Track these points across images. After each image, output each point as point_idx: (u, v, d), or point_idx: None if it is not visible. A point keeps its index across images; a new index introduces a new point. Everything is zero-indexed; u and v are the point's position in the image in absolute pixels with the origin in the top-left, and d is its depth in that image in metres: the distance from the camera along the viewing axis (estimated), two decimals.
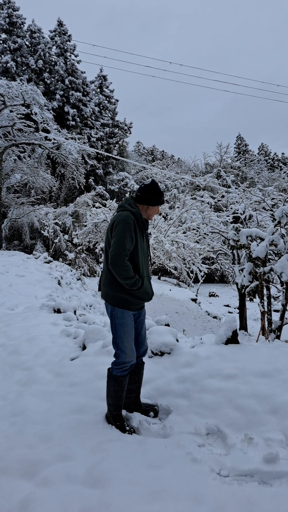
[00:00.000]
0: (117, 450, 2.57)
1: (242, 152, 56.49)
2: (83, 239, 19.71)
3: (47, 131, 21.22)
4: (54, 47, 33.27)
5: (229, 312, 21.16)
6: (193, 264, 19.40)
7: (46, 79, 31.78)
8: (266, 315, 5.70)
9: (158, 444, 2.64)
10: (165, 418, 3.04)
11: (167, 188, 37.45)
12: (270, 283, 6.23)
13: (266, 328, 5.55)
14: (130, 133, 40.15)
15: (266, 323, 5.64)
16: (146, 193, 2.83)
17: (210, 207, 21.72)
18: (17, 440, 2.79)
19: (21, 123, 19.58)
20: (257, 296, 6.52)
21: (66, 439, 2.74)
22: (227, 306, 23.82)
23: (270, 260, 6.38)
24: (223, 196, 19.65)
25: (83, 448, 2.62)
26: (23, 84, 19.70)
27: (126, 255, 2.68)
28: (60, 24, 33.36)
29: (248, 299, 12.23)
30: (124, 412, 3.07)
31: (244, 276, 6.17)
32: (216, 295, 28.84)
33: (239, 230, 6.36)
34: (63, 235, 23.03)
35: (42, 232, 21.60)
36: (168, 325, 4.89)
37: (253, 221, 15.21)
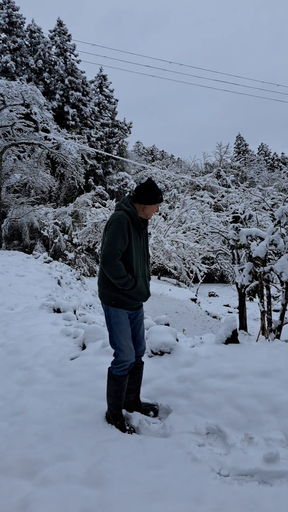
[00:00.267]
0: (117, 450, 2.57)
1: (242, 152, 56.50)
2: (83, 239, 19.71)
3: (47, 131, 21.22)
4: (54, 46, 33.25)
5: (228, 312, 21.16)
6: (193, 264, 19.39)
7: (45, 79, 31.76)
8: (266, 314, 5.69)
9: (158, 443, 2.63)
10: (165, 418, 3.04)
11: (167, 188, 37.45)
12: (270, 282, 6.23)
13: (266, 328, 5.55)
14: (129, 133, 40.15)
15: (266, 322, 5.63)
16: (142, 192, 2.82)
17: (210, 207, 21.72)
18: (17, 439, 2.78)
19: (21, 123, 19.57)
20: (257, 296, 6.51)
21: (66, 439, 2.74)
22: (227, 306, 23.81)
23: (270, 260, 6.37)
24: (223, 196, 19.64)
25: (83, 448, 2.62)
26: (22, 83, 19.67)
27: (117, 255, 2.69)
28: (60, 23, 33.34)
29: (248, 298, 12.23)
30: (124, 411, 3.07)
31: (244, 276, 6.16)
32: (216, 295, 28.83)
33: (239, 229, 6.35)
34: (63, 235, 23.01)
35: (42, 232, 21.59)
36: (168, 324, 4.89)
37: (253, 221, 15.20)
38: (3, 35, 30.55)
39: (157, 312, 13.37)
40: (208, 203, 21.28)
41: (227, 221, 16.74)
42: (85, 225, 20.20)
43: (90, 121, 33.86)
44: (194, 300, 20.15)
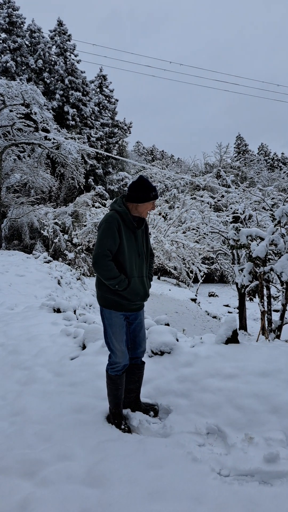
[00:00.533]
0: (117, 450, 2.56)
1: (242, 152, 56.49)
2: (83, 239, 19.71)
3: (47, 131, 21.20)
4: (54, 46, 33.24)
5: (228, 312, 21.15)
6: (193, 264, 19.39)
7: (45, 79, 31.76)
8: (266, 314, 5.69)
9: (158, 443, 2.63)
10: (165, 418, 3.03)
11: (167, 188, 37.43)
12: (270, 283, 6.22)
13: (266, 328, 5.55)
14: (129, 133, 40.14)
15: (266, 322, 5.63)
16: (134, 190, 2.77)
17: (210, 207, 21.71)
18: (17, 439, 2.78)
19: (21, 123, 19.56)
20: (257, 296, 6.51)
21: (66, 439, 2.74)
22: (227, 306, 23.81)
23: (270, 260, 6.37)
24: (222, 196, 19.64)
25: (83, 448, 2.62)
26: (22, 83, 19.65)
27: (106, 255, 2.67)
28: (60, 23, 33.34)
29: (248, 299, 12.23)
30: (126, 411, 3.07)
31: (244, 276, 6.16)
32: (216, 295, 28.82)
33: (239, 229, 6.35)
34: (63, 235, 23.00)
35: (42, 232, 21.58)
36: (168, 324, 4.89)
37: (252, 221, 15.20)
38: (3, 35, 30.54)
39: (157, 312, 13.36)
40: (208, 203, 21.28)
41: (227, 221, 16.74)
42: (85, 225, 20.20)
43: (90, 121, 33.85)
44: (194, 300, 20.14)
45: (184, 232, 19.46)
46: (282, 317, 5.85)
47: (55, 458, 2.51)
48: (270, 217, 14.86)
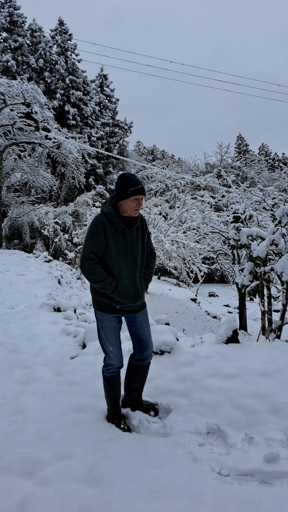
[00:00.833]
0: (117, 449, 2.56)
1: (242, 152, 56.47)
2: (83, 238, 19.68)
3: (48, 130, 21.18)
4: (55, 46, 33.24)
5: (228, 312, 21.13)
6: (193, 264, 19.38)
7: (46, 78, 31.75)
8: (266, 314, 5.69)
9: (158, 443, 2.63)
10: (165, 417, 3.03)
11: (168, 188, 37.44)
12: (270, 283, 6.22)
13: (267, 328, 5.54)
14: (130, 133, 40.12)
15: (267, 322, 5.63)
16: (115, 188, 2.70)
17: (211, 207, 21.70)
18: (16, 439, 2.78)
19: (22, 122, 19.55)
20: (257, 296, 6.50)
21: (66, 438, 2.73)
22: (227, 306, 23.79)
23: (271, 260, 6.36)
24: (223, 196, 19.63)
25: (83, 447, 2.61)
26: (23, 83, 19.63)
27: (89, 259, 2.65)
28: (61, 23, 33.33)
29: (248, 299, 12.22)
30: (125, 410, 3.06)
31: (245, 276, 6.15)
32: (216, 295, 28.81)
33: (240, 229, 6.34)
34: (63, 235, 22.99)
35: (42, 231, 21.56)
36: (168, 324, 4.88)
37: (253, 221, 15.18)
38: (4, 34, 30.53)
39: (157, 312, 13.36)
40: (208, 203, 21.26)
41: (227, 221, 16.73)
42: (85, 225, 20.19)
43: (91, 120, 33.84)
44: (194, 300, 20.13)
45: (184, 232, 19.46)
46: (282, 317, 5.84)
47: (55, 457, 2.51)
48: (271, 217, 14.83)
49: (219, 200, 19.70)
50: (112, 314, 2.78)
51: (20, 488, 2.26)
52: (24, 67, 30.93)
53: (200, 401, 3.08)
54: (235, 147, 56.88)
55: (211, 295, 28.94)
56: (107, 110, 37.07)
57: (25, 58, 30.92)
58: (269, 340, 5.23)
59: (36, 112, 19.45)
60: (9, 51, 30.14)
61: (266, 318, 5.64)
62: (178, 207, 23.09)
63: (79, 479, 2.30)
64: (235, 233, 6.36)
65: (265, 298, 5.99)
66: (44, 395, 3.46)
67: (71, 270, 15.15)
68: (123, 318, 2.92)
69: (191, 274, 24.50)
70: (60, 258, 19.58)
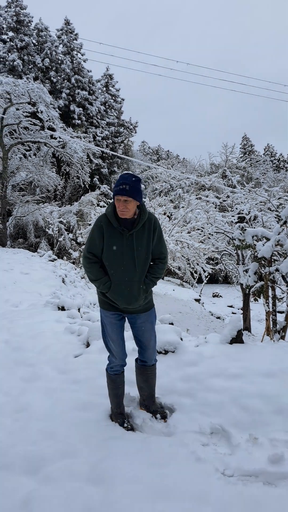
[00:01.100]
0: (120, 448, 2.55)
1: (247, 153, 56.30)
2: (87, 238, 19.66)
3: (53, 130, 21.21)
4: (61, 45, 33.31)
5: (232, 313, 21.08)
6: (197, 264, 19.34)
7: (52, 78, 31.83)
8: (271, 315, 5.66)
9: (162, 442, 2.62)
10: (169, 417, 3.02)
11: (172, 188, 37.39)
12: (275, 284, 6.19)
13: (271, 328, 5.52)
14: (135, 133, 40.13)
15: (271, 323, 5.60)
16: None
17: (215, 207, 21.64)
18: (20, 436, 2.78)
19: (27, 121, 19.60)
20: (262, 297, 6.48)
21: (70, 436, 2.73)
22: (231, 306, 23.74)
23: (276, 261, 6.33)
24: (228, 196, 19.57)
25: (87, 445, 2.61)
26: (29, 82, 19.67)
27: (88, 258, 2.70)
28: (67, 22, 33.39)
29: (252, 299, 12.17)
30: (129, 409, 3.06)
31: (250, 276, 6.13)
32: (220, 296, 28.74)
33: (245, 229, 6.32)
34: (68, 234, 23.03)
35: (47, 230, 21.62)
36: (172, 324, 4.87)
37: (258, 222, 15.13)
38: (11, 34, 30.64)
39: (161, 312, 13.34)
40: (213, 203, 21.21)
41: (232, 221, 16.68)
42: (90, 224, 20.21)
43: (96, 120, 33.88)
44: (197, 300, 20.09)
45: (188, 232, 19.42)
46: (287, 318, 5.81)
47: (58, 455, 2.51)
48: (276, 218, 14.76)
49: (224, 201, 19.64)
50: (112, 311, 2.80)
51: (23, 485, 2.26)
52: (30, 67, 31.02)
53: (204, 401, 3.07)
54: (240, 148, 56.70)
55: (215, 295, 28.88)
56: (112, 110, 37.10)
57: (31, 57, 31.01)
58: (274, 341, 5.20)
59: (41, 112, 19.49)
60: (15, 50, 30.23)
61: (270, 319, 5.62)
62: (183, 207, 23.05)
63: (82, 477, 2.30)
64: (240, 233, 6.33)
65: (270, 299, 5.96)
66: (48, 393, 3.46)
67: (75, 269, 15.17)
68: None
69: (195, 275, 24.46)
70: (65, 257, 19.61)
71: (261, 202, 15.81)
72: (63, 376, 3.81)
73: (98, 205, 22.77)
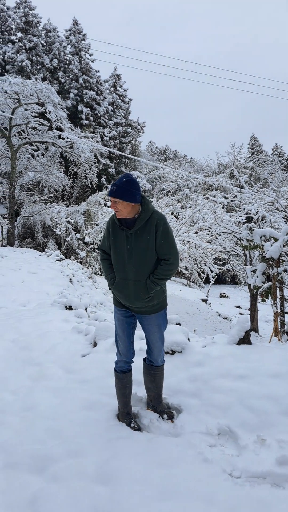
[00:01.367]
0: (127, 448, 2.55)
1: (255, 153, 56.00)
2: (95, 238, 19.76)
3: (61, 130, 21.29)
4: (69, 46, 33.45)
5: (240, 314, 21.00)
6: (205, 265, 19.28)
7: (60, 78, 31.97)
8: (279, 316, 5.63)
9: (169, 443, 2.61)
10: (176, 417, 3.01)
11: (179, 188, 37.33)
12: (283, 284, 6.15)
13: (279, 329, 5.48)
14: (143, 133, 40.13)
15: (279, 324, 5.57)
16: None
17: (223, 207, 21.55)
18: (27, 435, 2.79)
19: (35, 122, 19.71)
20: (270, 297, 6.44)
21: (77, 435, 2.73)
22: (238, 307, 23.64)
23: (284, 261, 6.29)
24: (236, 197, 19.48)
25: (94, 445, 2.61)
26: (38, 82, 19.78)
27: (100, 254, 2.92)
28: (75, 23, 33.52)
29: (260, 300, 12.11)
30: (136, 409, 3.05)
31: (257, 277, 6.10)
32: (227, 296, 28.64)
33: (253, 230, 6.29)
34: (75, 234, 23.12)
35: (54, 230, 21.71)
36: (179, 324, 4.86)
37: (265, 222, 15.03)
38: (19, 34, 30.85)
39: (168, 312, 13.31)
40: (221, 203, 21.12)
41: (239, 221, 16.60)
42: (97, 224, 20.26)
43: (104, 120, 33.95)
44: (205, 301, 20.05)
45: (196, 232, 19.35)
46: None
47: (65, 454, 2.51)
48: (284, 218, 14.65)
49: (232, 201, 19.57)
50: (119, 308, 2.86)
51: (30, 484, 2.26)
52: (38, 67, 31.19)
53: (211, 401, 3.06)
54: (248, 148, 56.42)
55: (222, 296, 28.78)
56: (120, 110, 37.15)
57: (40, 58, 31.18)
58: (282, 342, 5.17)
59: (49, 112, 19.57)
60: (24, 51, 30.42)
61: (278, 320, 5.59)
62: (190, 207, 22.98)
63: (89, 476, 2.30)
64: (248, 233, 6.30)
65: (278, 299, 5.93)
66: (55, 392, 3.47)
67: (83, 269, 15.22)
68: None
69: (202, 275, 24.39)
70: (72, 257, 19.69)
71: (269, 202, 15.72)
72: (70, 375, 3.81)
73: (105, 205, 22.81)
